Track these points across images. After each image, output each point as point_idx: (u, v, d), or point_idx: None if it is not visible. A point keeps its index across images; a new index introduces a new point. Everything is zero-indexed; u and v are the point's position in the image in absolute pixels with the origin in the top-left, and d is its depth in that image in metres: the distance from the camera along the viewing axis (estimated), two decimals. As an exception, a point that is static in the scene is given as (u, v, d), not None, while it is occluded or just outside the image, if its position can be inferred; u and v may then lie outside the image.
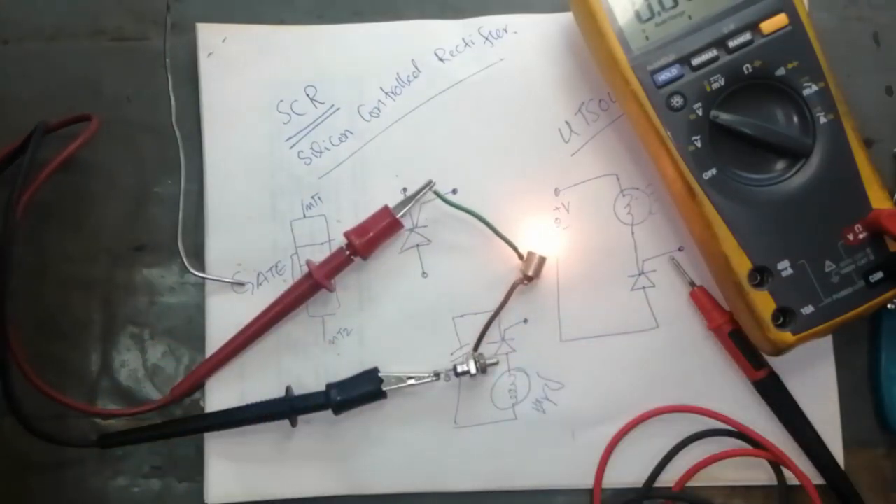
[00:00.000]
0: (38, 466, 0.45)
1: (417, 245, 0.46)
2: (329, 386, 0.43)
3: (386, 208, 0.44)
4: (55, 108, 0.45)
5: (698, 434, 0.44)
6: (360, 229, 0.44)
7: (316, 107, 0.46)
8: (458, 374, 0.44)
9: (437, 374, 0.43)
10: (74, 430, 0.45)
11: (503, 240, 0.44)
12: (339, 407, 0.43)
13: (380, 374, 0.43)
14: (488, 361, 0.44)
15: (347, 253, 0.44)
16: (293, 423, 0.44)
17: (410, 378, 0.43)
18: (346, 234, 0.44)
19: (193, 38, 0.47)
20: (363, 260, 0.45)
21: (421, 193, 0.45)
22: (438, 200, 0.45)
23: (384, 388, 0.43)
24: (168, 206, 0.46)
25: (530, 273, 0.44)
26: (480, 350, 0.44)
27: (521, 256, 0.44)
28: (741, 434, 0.44)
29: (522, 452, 0.45)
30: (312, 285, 0.44)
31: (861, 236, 0.41)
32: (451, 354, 0.45)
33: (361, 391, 0.43)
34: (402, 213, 0.44)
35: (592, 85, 0.46)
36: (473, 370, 0.43)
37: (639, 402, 0.45)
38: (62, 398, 0.43)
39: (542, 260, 0.44)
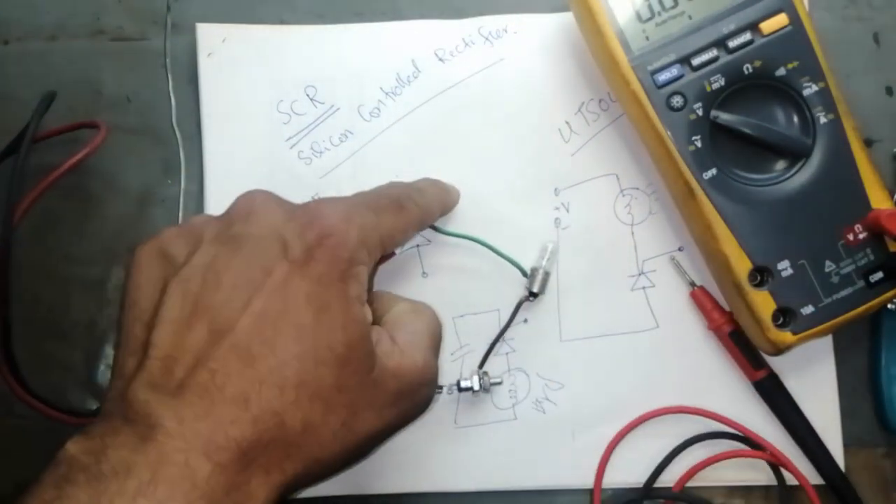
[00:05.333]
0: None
1: (417, 245, 0.46)
2: None
3: None
4: (55, 108, 0.45)
5: (698, 437, 0.44)
6: None
7: (316, 107, 0.46)
8: (461, 390, 0.43)
9: (440, 388, 0.43)
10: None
11: (506, 259, 0.44)
12: None
13: None
14: (492, 380, 0.44)
15: None
16: None
17: None
18: None
19: (193, 38, 0.46)
20: None
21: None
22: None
23: None
24: (168, 207, 0.46)
25: (535, 290, 0.44)
26: (485, 367, 0.44)
27: (524, 273, 0.44)
28: (742, 436, 0.44)
29: (522, 452, 0.45)
30: None
31: (861, 236, 0.41)
32: (451, 355, 0.45)
33: None
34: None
35: (592, 85, 0.46)
36: (477, 387, 0.43)
37: (639, 401, 0.45)
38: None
39: (547, 275, 0.44)
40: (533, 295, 0.44)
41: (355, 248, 0.34)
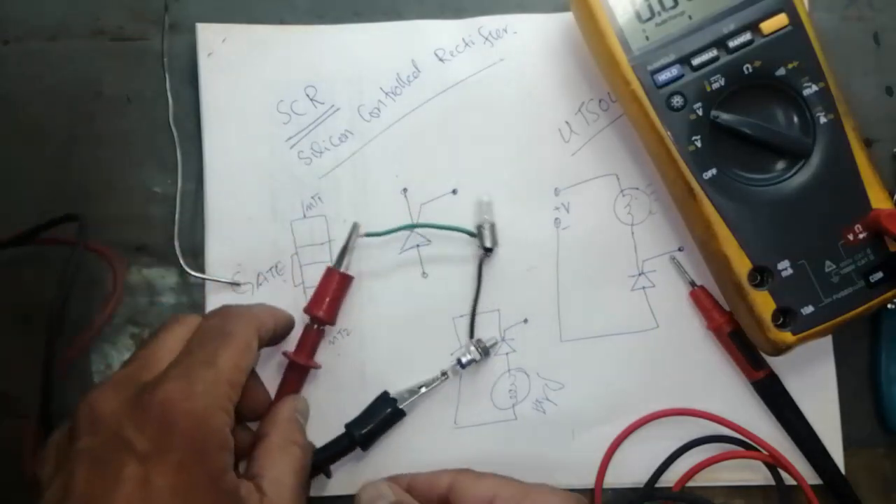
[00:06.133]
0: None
1: (417, 245, 0.46)
2: (348, 426, 0.43)
3: (329, 269, 0.44)
4: (55, 108, 0.45)
5: (698, 440, 0.44)
6: (316, 300, 0.44)
7: (316, 107, 0.46)
8: (463, 366, 0.44)
9: (444, 373, 0.43)
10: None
11: (449, 229, 0.44)
12: (366, 441, 0.43)
13: (391, 395, 0.43)
14: (488, 343, 0.44)
15: (315, 326, 0.44)
16: (328, 475, 0.44)
17: (422, 387, 0.43)
18: (306, 311, 0.44)
19: (193, 38, 0.46)
20: (332, 326, 0.45)
21: (351, 240, 0.44)
22: (437, 201, 0.45)
23: (400, 406, 0.43)
24: (168, 207, 0.46)
25: (488, 244, 0.44)
26: (477, 336, 0.45)
27: (472, 234, 0.44)
28: (742, 439, 0.44)
29: (522, 452, 0.45)
30: (301, 371, 0.44)
31: (861, 236, 0.41)
32: (451, 354, 0.45)
33: (381, 418, 0.43)
34: (345, 267, 0.44)
35: (592, 85, 0.46)
36: (477, 357, 0.43)
37: (639, 402, 0.45)
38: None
39: (493, 226, 0.44)
40: (488, 251, 0.44)
41: (208, 418, 0.33)
